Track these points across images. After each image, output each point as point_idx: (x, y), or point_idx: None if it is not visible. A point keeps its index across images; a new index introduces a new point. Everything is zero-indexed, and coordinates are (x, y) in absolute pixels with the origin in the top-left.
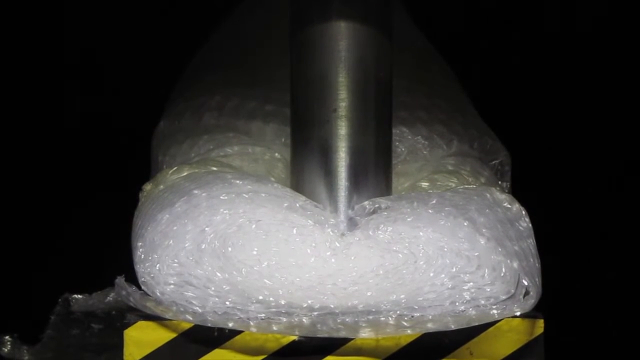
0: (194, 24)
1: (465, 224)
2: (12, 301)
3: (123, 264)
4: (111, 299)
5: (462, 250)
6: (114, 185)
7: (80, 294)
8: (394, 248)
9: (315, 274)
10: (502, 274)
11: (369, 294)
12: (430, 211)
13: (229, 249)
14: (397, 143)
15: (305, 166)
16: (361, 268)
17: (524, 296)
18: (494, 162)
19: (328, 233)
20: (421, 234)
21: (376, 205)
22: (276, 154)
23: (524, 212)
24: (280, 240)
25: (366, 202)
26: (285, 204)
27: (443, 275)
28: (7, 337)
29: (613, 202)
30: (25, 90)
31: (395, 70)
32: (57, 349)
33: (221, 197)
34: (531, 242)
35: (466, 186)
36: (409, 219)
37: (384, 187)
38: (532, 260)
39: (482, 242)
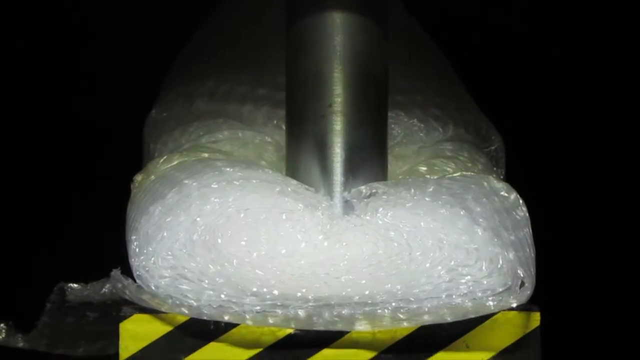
0: (186, 11)
1: (462, 213)
2: (6, 290)
3: (119, 256)
4: (107, 290)
5: (461, 242)
6: (109, 175)
7: (76, 284)
8: (391, 235)
9: (306, 262)
10: (499, 266)
11: (363, 282)
12: (427, 199)
13: (219, 240)
14: (393, 126)
15: (301, 161)
16: (354, 255)
17: (519, 287)
18: (489, 149)
19: (319, 216)
20: (422, 223)
21: (373, 190)
22: (266, 138)
23: (521, 201)
24: (270, 228)
25: (362, 187)
26: (277, 189)
27: (440, 268)
28: (2, 325)
29: (610, 196)
30: (18, 86)
31: (390, 55)
32: (52, 336)
33: (212, 186)
34: (527, 231)
35: (464, 173)
36: (408, 205)
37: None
38: (527, 250)
39: (480, 233)
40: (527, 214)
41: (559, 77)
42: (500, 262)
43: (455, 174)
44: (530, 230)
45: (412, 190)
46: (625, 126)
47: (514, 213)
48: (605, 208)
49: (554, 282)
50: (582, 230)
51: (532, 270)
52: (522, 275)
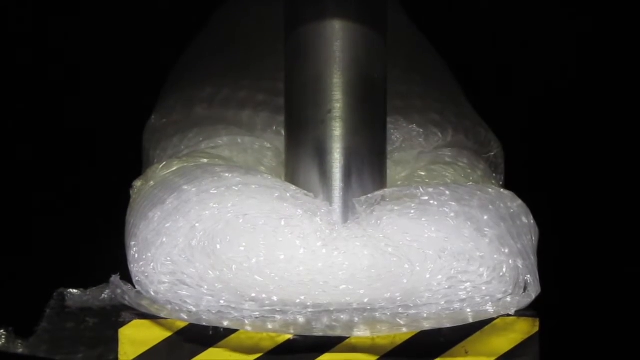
0: (185, 17)
1: (469, 222)
2: (6, 296)
3: (118, 261)
4: (106, 295)
5: (466, 251)
6: (108, 181)
7: (76, 289)
8: (391, 244)
9: (305, 268)
10: (501, 274)
11: (361, 292)
12: (433, 208)
13: (218, 246)
14: (392, 131)
15: (300, 167)
16: (352, 264)
17: (521, 294)
18: (488, 155)
19: (317, 222)
20: (425, 233)
21: (380, 198)
22: (266, 143)
23: (526, 209)
24: (269, 233)
25: (371, 195)
26: (276, 194)
27: (440, 277)
28: (2, 331)
29: (609, 196)
30: (17, 88)
31: (390, 60)
32: (52, 341)
33: (211, 192)
34: (532, 238)
35: (470, 183)
36: (412, 213)
37: (379, 187)
38: (532, 257)
39: (486, 242)
40: (532, 222)
41: (559, 80)
42: (504, 269)
43: (463, 183)
44: (535, 238)
45: (418, 199)
46: (627, 128)
47: (519, 221)
48: (607, 213)
49: (553, 287)
50: (581, 236)
51: (536, 277)
52: (524, 282)
